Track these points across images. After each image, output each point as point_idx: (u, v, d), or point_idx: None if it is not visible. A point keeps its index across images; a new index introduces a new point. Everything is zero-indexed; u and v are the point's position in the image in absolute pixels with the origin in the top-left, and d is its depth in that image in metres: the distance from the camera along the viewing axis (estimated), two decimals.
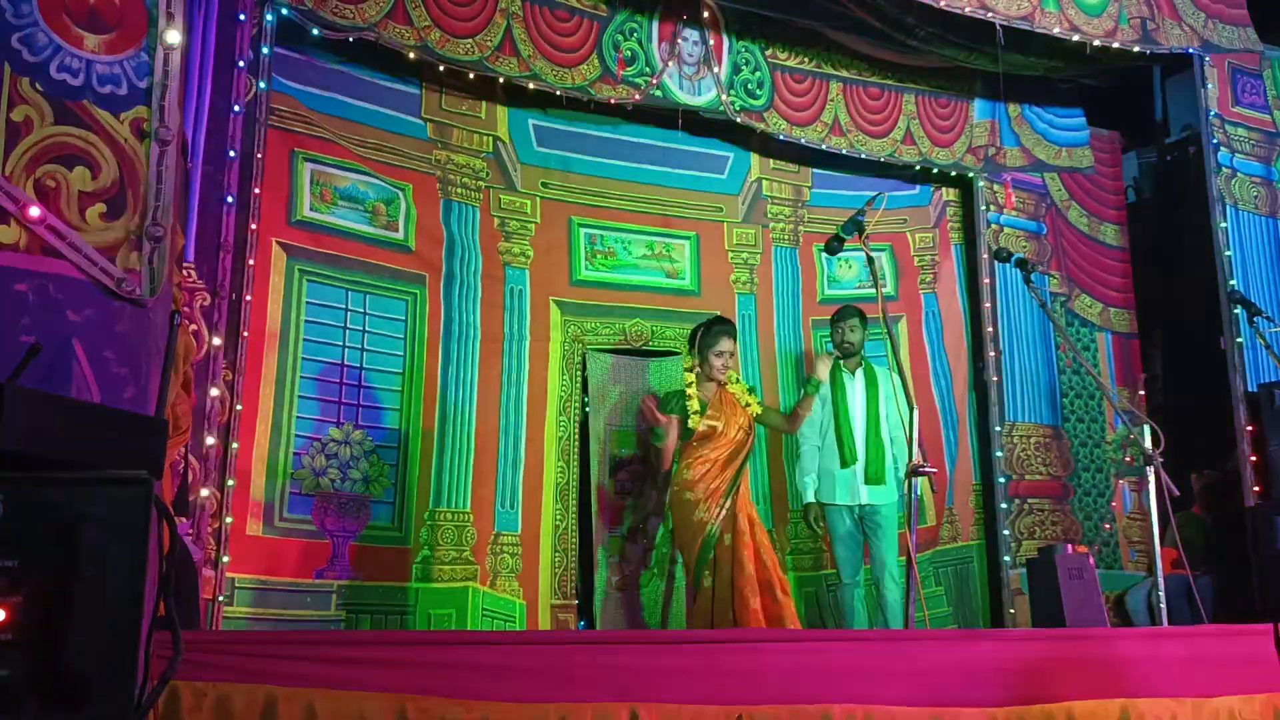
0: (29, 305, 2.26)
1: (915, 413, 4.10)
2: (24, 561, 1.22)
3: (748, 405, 5.00)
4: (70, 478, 1.28)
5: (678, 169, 6.19)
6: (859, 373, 5.26)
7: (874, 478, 5.08)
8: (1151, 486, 4.21)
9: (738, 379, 5.09)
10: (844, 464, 5.12)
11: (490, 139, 5.75)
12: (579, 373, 5.74)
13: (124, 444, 1.42)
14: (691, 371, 5.05)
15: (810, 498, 5.24)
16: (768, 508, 5.98)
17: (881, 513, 5.13)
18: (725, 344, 5.00)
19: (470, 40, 5.35)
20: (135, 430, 1.48)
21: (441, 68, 5.39)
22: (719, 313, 5.86)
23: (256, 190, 4.61)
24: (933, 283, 6.68)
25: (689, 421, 4.93)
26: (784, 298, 6.31)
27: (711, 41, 5.99)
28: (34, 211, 2.32)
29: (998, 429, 6.36)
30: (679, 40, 5.89)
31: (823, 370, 5.20)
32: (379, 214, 5.35)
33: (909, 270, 6.66)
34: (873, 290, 4.46)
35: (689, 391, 4.99)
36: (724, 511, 4.80)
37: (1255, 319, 4.89)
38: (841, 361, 5.29)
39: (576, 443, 5.65)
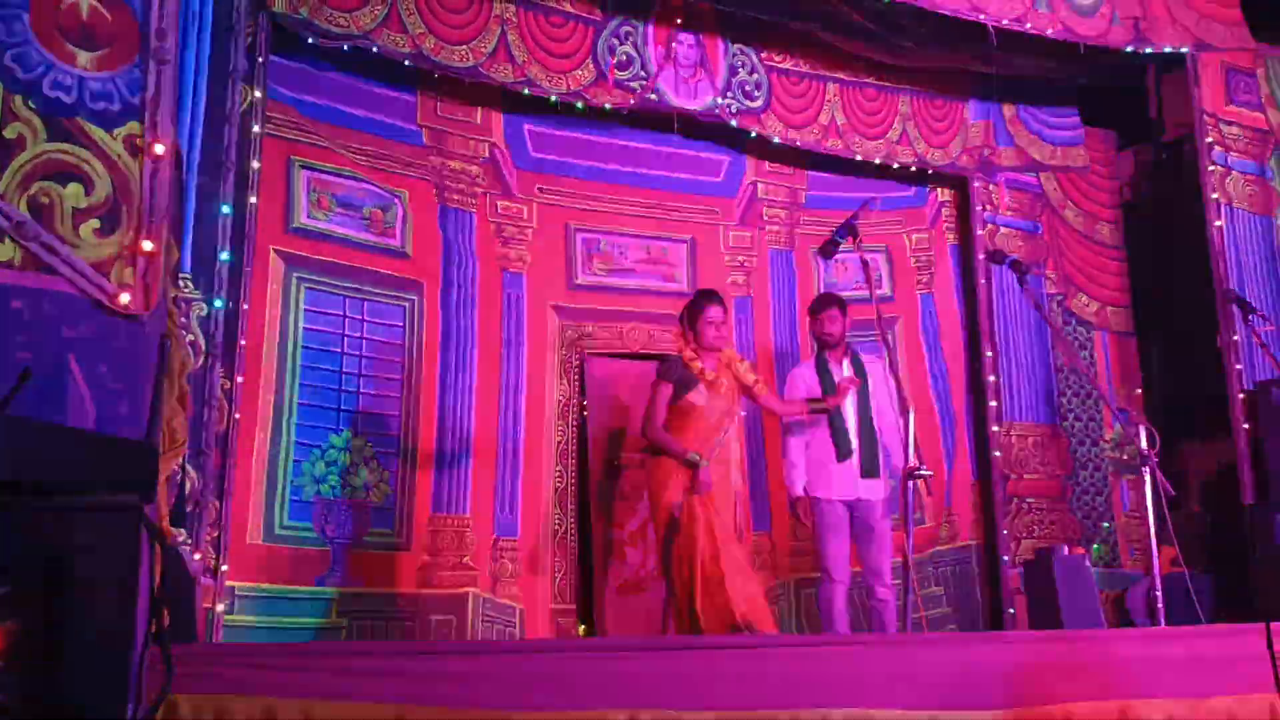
0: (24, 322, 2.28)
1: (912, 414, 4.10)
2: (16, 588, 1.23)
3: (741, 374, 4.79)
4: (61, 505, 1.28)
5: (674, 173, 6.20)
6: (845, 364, 5.11)
7: (868, 470, 5.00)
8: (1148, 486, 4.22)
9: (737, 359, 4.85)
10: (840, 457, 4.98)
11: (486, 145, 5.76)
12: (577, 377, 5.75)
13: (115, 468, 1.43)
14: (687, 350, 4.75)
15: (799, 492, 5.04)
16: (766, 509, 5.99)
17: (874, 511, 5.03)
18: (714, 312, 4.72)
19: (465, 47, 5.35)
20: (126, 454, 1.49)
21: (436, 74, 5.39)
22: None
23: (253, 199, 4.61)
24: (929, 283, 6.69)
25: (696, 387, 4.66)
26: (780, 300, 6.32)
27: (706, 45, 6.00)
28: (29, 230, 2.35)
29: (995, 428, 6.37)
30: (674, 44, 5.90)
31: (806, 373, 5.15)
32: (376, 221, 5.36)
33: (905, 271, 6.67)
34: (868, 292, 4.49)
35: (692, 365, 4.69)
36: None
37: (1250, 318, 4.89)
38: (825, 354, 5.12)
39: (575, 447, 5.65)
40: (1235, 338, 5.93)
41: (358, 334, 5.21)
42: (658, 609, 5.44)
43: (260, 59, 4.70)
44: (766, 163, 6.47)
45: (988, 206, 6.63)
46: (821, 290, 6.41)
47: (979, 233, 6.58)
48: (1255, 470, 5.74)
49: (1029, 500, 6.37)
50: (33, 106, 2.45)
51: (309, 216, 5.14)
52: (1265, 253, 6.32)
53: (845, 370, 5.08)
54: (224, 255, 4.35)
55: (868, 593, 5.02)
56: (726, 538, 4.55)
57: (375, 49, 5.10)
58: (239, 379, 4.50)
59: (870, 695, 2.92)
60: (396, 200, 5.43)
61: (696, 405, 4.64)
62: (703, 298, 4.82)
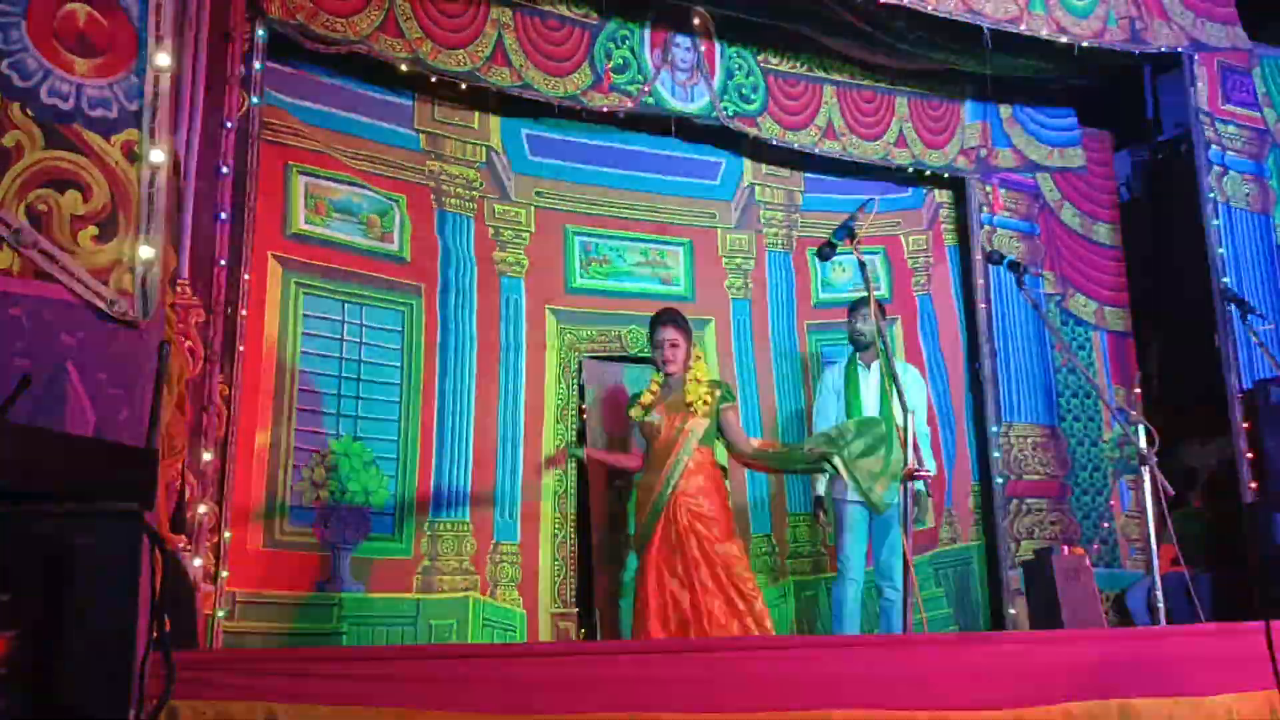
0: (23, 329, 2.28)
1: (913, 417, 4.10)
2: (16, 596, 1.23)
3: (691, 403, 4.55)
4: (61, 511, 1.29)
5: (671, 176, 6.21)
6: (874, 366, 5.15)
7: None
8: (1147, 485, 4.22)
9: (699, 377, 4.65)
10: None
11: (483, 149, 5.76)
12: (575, 380, 5.75)
13: (114, 475, 1.43)
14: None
15: (820, 491, 5.11)
16: (766, 513, 5.99)
17: (892, 512, 5.03)
18: (663, 333, 4.64)
19: (462, 51, 5.36)
20: (126, 461, 1.49)
21: (434, 79, 5.40)
22: (712, 318, 5.88)
23: (251, 205, 4.62)
24: (927, 284, 6.70)
25: (631, 412, 4.69)
26: (778, 302, 6.32)
27: (703, 48, 6.01)
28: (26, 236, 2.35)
29: (995, 429, 6.37)
30: (671, 47, 5.91)
31: (834, 375, 5.21)
32: (373, 226, 5.36)
33: (903, 272, 6.68)
34: (866, 294, 4.49)
35: (651, 387, 4.69)
36: (659, 511, 4.47)
37: (1248, 317, 4.90)
38: (857, 355, 5.22)
39: None
40: (1233, 337, 5.93)
41: (356, 339, 5.21)
42: None
43: (257, 65, 4.71)
44: (764, 165, 6.48)
45: (985, 207, 6.64)
46: (821, 292, 6.45)
47: (977, 233, 6.59)
48: (1254, 469, 5.75)
49: (1029, 501, 6.37)
50: (30, 114, 2.46)
51: (307, 222, 5.14)
52: (1263, 251, 6.33)
53: (873, 371, 5.10)
54: (222, 261, 4.36)
55: (877, 593, 5.06)
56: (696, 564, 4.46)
57: (372, 54, 5.10)
58: (238, 385, 4.50)
59: (870, 695, 2.91)
60: (394, 205, 5.43)
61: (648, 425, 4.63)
62: (655, 319, 4.74)
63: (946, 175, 6.70)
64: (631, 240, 6.07)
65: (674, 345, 4.64)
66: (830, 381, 5.30)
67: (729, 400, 4.64)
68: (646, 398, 4.66)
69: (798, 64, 6.33)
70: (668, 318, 4.72)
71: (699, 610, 4.35)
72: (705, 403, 4.55)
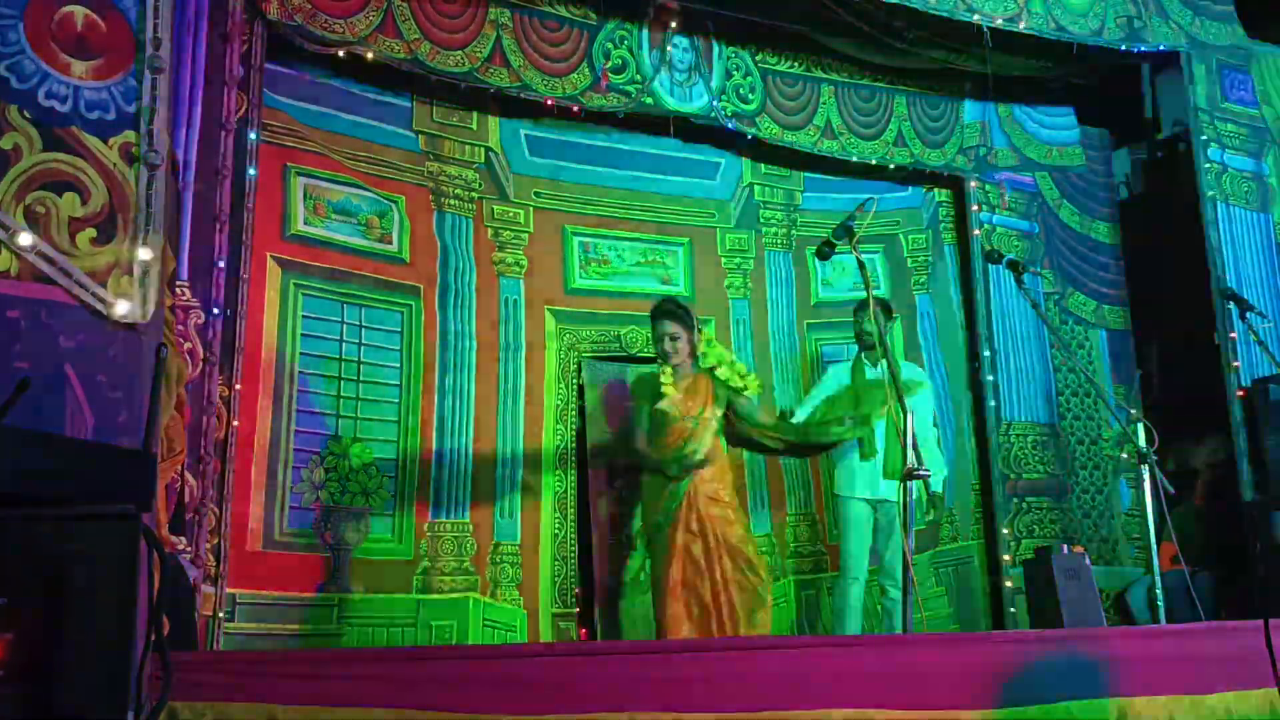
0: (22, 332, 2.29)
1: (912, 416, 4.10)
2: (14, 599, 1.23)
3: (723, 385, 4.73)
4: (58, 515, 1.29)
5: (670, 176, 6.20)
6: (882, 366, 5.18)
7: (893, 471, 5.01)
8: (1147, 484, 4.23)
9: (727, 361, 4.79)
10: (864, 456, 5.06)
11: (482, 150, 5.76)
12: (575, 381, 5.75)
13: (112, 478, 1.43)
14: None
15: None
16: (766, 511, 5.99)
17: (895, 511, 5.04)
18: (661, 327, 4.72)
19: (460, 52, 5.36)
20: (123, 463, 1.49)
21: (432, 80, 5.40)
22: (712, 318, 5.86)
23: (250, 206, 4.62)
24: (926, 284, 6.70)
25: (660, 405, 4.70)
26: (778, 302, 6.32)
27: (701, 48, 6.01)
28: (25, 239, 2.35)
29: (995, 428, 6.37)
30: (669, 47, 5.91)
31: (839, 371, 5.22)
32: (372, 227, 5.36)
33: (902, 272, 6.67)
34: (865, 293, 4.49)
35: (664, 378, 4.73)
36: (679, 497, 4.58)
37: (1247, 314, 4.90)
38: (864, 355, 5.24)
39: (574, 451, 5.65)
40: (1232, 335, 5.93)
41: (356, 339, 5.21)
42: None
43: (256, 66, 4.71)
44: (763, 165, 6.48)
45: (984, 206, 6.64)
46: (821, 292, 6.45)
47: (976, 233, 6.59)
48: (1254, 467, 5.75)
49: (1029, 500, 6.37)
50: (28, 116, 2.46)
51: (306, 223, 5.14)
52: (1262, 249, 6.33)
53: (879, 373, 5.12)
54: (221, 263, 4.36)
55: (880, 592, 5.07)
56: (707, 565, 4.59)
57: (370, 55, 5.10)
58: (237, 386, 4.51)
59: (870, 695, 2.92)
60: (393, 206, 5.43)
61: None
62: (654, 313, 4.83)
63: (946, 175, 6.70)
64: (631, 240, 6.07)
65: (674, 338, 4.72)
66: (834, 378, 5.31)
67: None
68: (667, 389, 4.70)
69: (796, 64, 6.33)
70: (662, 311, 4.80)
71: (718, 601, 4.49)
72: (740, 376, 4.75)
